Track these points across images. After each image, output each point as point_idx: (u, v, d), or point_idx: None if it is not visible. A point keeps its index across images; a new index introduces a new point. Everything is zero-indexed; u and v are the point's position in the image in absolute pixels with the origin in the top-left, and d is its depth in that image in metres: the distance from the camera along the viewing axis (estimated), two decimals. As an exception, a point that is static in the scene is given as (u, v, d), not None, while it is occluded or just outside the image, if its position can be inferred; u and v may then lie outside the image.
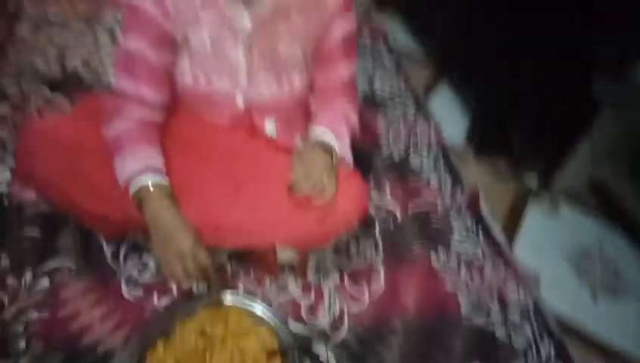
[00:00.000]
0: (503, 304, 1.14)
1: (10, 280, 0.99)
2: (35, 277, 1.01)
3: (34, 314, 0.95)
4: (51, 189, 0.98)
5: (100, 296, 1.01)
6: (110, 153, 0.89)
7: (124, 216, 0.93)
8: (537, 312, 1.14)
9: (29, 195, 1.13)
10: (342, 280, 1.13)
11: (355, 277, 1.14)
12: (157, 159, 0.90)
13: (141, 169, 0.87)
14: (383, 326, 1.06)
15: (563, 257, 1.33)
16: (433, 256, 1.22)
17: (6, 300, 0.96)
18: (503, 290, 1.17)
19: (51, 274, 1.02)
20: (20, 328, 0.92)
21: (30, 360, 0.88)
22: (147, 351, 0.88)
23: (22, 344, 0.90)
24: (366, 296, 1.11)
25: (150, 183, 0.86)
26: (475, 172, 1.52)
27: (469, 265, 1.22)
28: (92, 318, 0.97)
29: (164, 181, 0.89)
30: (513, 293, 1.17)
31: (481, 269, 1.21)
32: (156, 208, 0.86)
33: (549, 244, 1.36)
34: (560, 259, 1.32)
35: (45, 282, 1.00)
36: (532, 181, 1.52)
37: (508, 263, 1.24)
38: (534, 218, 1.42)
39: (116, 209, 0.93)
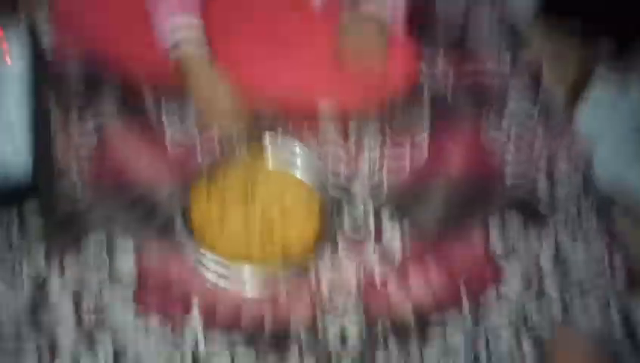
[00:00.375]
0: (550, 174, 1.16)
1: (60, 131, 1.10)
2: (83, 130, 1.10)
3: (86, 163, 1.06)
4: (90, 30, 1.05)
5: (146, 151, 1.10)
6: None
7: (163, 58, 0.98)
8: (586, 182, 1.16)
9: (71, 52, 1.19)
10: (383, 145, 1.17)
11: (397, 144, 1.17)
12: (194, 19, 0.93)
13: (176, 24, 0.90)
14: (422, 188, 1.11)
15: (624, 136, 1.30)
16: (483, 126, 1.23)
17: (63, 140, 1.08)
18: (553, 160, 1.19)
19: (97, 127, 1.11)
20: (77, 162, 1.04)
21: (88, 202, 1.00)
22: (195, 194, 0.99)
23: (80, 174, 1.03)
24: (407, 163, 1.14)
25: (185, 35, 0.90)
26: (540, 42, 1.47)
27: (520, 134, 1.23)
28: (140, 171, 1.07)
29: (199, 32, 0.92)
30: (563, 164, 1.18)
31: (533, 138, 1.22)
32: (194, 68, 0.92)
33: (612, 122, 1.33)
34: (621, 138, 1.29)
35: (92, 135, 1.10)
36: (603, 56, 1.47)
37: (564, 134, 1.24)
38: (601, 93, 1.37)
39: (155, 49, 0.98)
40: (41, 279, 0.88)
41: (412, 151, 1.16)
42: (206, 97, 0.93)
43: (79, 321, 0.84)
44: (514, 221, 1.06)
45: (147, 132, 1.12)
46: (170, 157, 1.09)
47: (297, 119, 1.15)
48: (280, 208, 0.99)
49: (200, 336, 0.84)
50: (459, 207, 1.08)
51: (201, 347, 0.84)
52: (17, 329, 0.83)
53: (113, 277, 0.90)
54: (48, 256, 0.91)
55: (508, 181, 1.14)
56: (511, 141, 1.21)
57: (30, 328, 0.83)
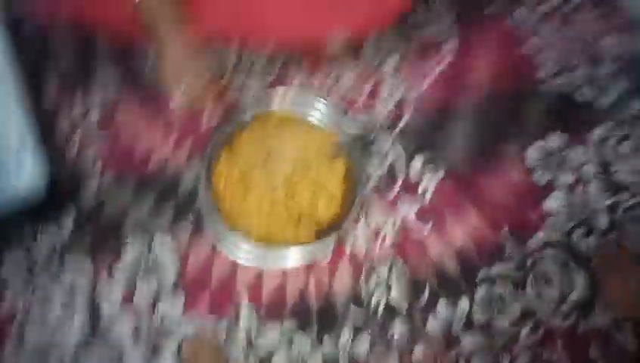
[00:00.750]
0: (593, 58, 1.11)
1: (64, 112, 1.08)
2: (86, 105, 1.09)
3: (99, 141, 1.06)
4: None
5: (153, 115, 1.09)
6: None
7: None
8: (634, 64, 1.09)
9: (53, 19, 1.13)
10: (405, 57, 1.12)
11: (421, 52, 1.12)
12: None
13: None
14: (451, 102, 1.08)
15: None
16: (514, 14, 1.16)
17: (68, 129, 1.07)
18: (597, 41, 1.12)
19: (100, 99, 1.09)
20: (92, 153, 1.05)
21: (109, 183, 1.03)
22: (214, 164, 1.01)
23: (99, 167, 1.04)
24: (434, 71, 1.10)
25: None
26: None
27: (558, 14, 1.15)
28: (153, 139, 1.07)
29: None
30: (608, 45, 1.11)
31: (573, 18, 1.14)
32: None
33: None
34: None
35: (96, 112, 1.08)
36: None
37: (611, 7, 1.16)
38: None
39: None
40: (94, 293, 0.94)
41: (438, 58, 1.11)
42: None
43: (138, 331, 0.92)
44: (555, 138, 1.04)
45: (150, 98, 1.09)
46: (180, 121, 1.07)
47: (303, 60, 1.11)
48: (303, 170, 1.00)
49: (254, 327, 0.92)
50: (494, 130, 1.05)
51: (255, 337, 0.91)
52: (81, 349, 0.91)
53: (160, 280, 0.96)
54: (95, 270, 0.96)
55: (545, 84, 1.09)
56: (549, 36, 1.14)
57: (94, 346, 0.91)
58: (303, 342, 0.90)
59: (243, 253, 0.95)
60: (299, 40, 1.07)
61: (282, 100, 1.07)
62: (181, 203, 1.02)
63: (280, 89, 1.07)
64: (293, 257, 0.95)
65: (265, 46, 1.10)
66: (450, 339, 0.90)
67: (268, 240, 0.96)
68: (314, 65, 1.11)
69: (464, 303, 0.92)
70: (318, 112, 1.06)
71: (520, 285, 0.93)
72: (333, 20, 1.03)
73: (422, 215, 0.99)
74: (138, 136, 1.08)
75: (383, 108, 1.09)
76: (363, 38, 1.13)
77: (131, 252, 0.98)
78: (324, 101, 1.06)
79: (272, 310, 0.93)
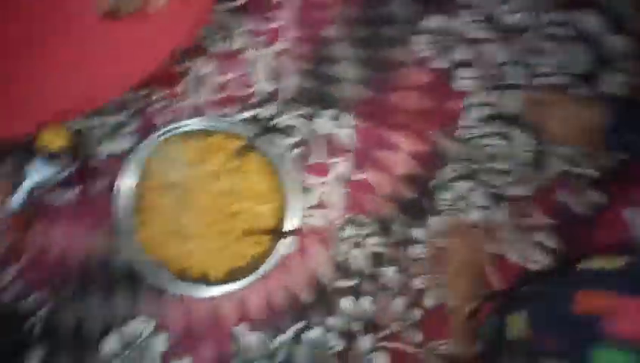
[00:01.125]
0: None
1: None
2: None
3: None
4: None
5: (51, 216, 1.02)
6: None
7: None
8: None
9: None
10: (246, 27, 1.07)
11: (257, 22, 1.08)
12: None
13: None
14: (322, 43, 1.06)
15: None
16: None
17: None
18: None
19: None
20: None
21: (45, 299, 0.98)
22: (135, 236, 0.96)
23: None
24: (290, 26, 1.07)
25: None
26: None
27: None
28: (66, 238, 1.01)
29: None
30: None
31: None
32: None
33: None
34: None
35: None
36: None
37: None
38: None
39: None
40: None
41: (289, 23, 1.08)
42: None
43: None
44: (433, 19, 1.06)
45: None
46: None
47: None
48: (225, 189, 0.98)
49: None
50: (375, 44, 1.06)
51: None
52: None
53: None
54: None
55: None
56: None
57: None
58: (319, 333, 0.94)
59: (221, 291, 0.94)
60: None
61: (160, 137, 1.00)
62: (130, 281, 0.99)
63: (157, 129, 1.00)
64: (263, 267, 0.94)
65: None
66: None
67: (234, 268, 0.95)
68: (168, 88, 1.07)
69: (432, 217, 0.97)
70: (204, 127, 1.00)
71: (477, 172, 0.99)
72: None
73: (357, 162, 1.00)
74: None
75: (263, 85, 1.05)
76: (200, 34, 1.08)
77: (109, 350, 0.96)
78: (203, 116, 1.02)
79: (270, 321, 0.96)
